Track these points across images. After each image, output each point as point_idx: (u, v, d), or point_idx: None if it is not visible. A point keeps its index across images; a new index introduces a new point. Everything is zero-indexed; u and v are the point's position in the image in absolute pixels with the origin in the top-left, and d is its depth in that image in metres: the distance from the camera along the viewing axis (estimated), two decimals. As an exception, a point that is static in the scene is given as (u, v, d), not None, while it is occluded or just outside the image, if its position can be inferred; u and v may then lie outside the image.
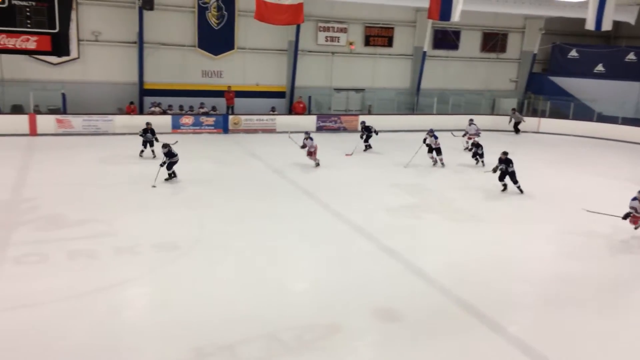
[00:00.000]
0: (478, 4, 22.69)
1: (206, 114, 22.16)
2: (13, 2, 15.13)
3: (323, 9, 24.07)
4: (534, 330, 7.62)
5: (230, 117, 22.26)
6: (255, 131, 22.30)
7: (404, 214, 12.45)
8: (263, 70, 24.07)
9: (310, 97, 24.42)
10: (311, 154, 16.36)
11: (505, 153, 14.19)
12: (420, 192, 14.34)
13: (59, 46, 15.65)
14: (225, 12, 22.74)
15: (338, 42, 24.92)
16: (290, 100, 24.29)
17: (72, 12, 17.86)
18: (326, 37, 24.69)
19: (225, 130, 22.04)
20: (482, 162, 17.20)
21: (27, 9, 15.35)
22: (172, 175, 14.08)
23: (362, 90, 26.00)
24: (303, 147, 16.29)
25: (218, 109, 22.69)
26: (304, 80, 24.35)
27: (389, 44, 25.87)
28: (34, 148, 17.50)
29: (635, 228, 11.29)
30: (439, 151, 17.10)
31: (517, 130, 25.06)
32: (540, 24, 27.27)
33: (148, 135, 16.51)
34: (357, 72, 25.64)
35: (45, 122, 19.60)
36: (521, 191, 14.26)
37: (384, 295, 8.30)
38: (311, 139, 16.28)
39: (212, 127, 21.88)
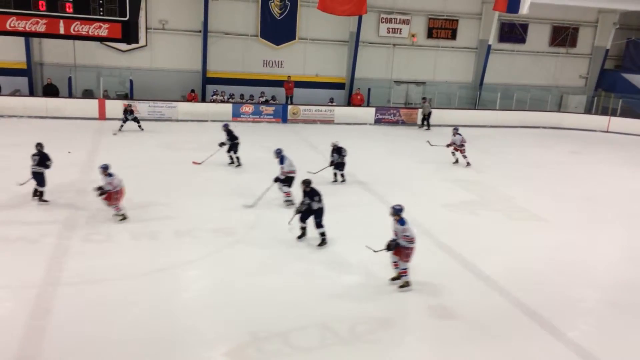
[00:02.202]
0: (549, -4, 21.90)
1: (266, 103, 22.45)
2: (87, -10, 15.77)
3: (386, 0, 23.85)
4: (595, 336, 7.33)
5: (290, 107, 22.42)
6: (313, 122, 22.38)
7: (462, 210, 12.21)
8: (323, 61, 24.09)
9: (369, 89, 24.27)
10: (111, 197, 10.07)
11: (307, 183, 9.62)
12: (478, 188, 14.00)
13: (129, 34, 16.06)
14: (288, 2, 22.87)
15: (400, 33, 24.58)
16: (349, 92, 24.20)
17: (141, 0, 18.45)
18: (388, 28, 24.39)
19: (284, 119, 22.23)
20: (342, 175, 13.87)
21: (100, -3, 15.97)
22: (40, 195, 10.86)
23: (422, 83, 25.58)
24: (100, 189, 10.01)
25: (277, 99, 22.94)
26: (363, 72, 24.17)
27: (453, 36, 25.28)
28: (103, 132, 18.21)
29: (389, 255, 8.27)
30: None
31: (425, 123, 22.53)
32: (614, 18, 25.94)
33: (127, 115, 18.35)
34: (418, 65, 25.23)
35: (114, 107, 20.34)
36: (323, 241, 9.74)
37: (440, 293, 8.18)
38: (110, 174, 10.10)
39: (271, 117, 22.12)
